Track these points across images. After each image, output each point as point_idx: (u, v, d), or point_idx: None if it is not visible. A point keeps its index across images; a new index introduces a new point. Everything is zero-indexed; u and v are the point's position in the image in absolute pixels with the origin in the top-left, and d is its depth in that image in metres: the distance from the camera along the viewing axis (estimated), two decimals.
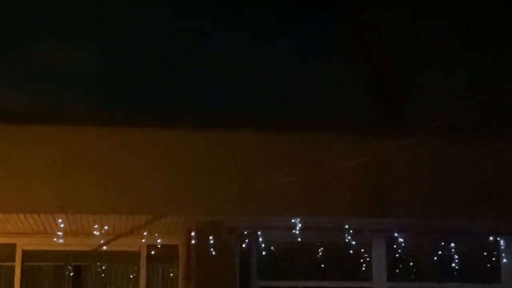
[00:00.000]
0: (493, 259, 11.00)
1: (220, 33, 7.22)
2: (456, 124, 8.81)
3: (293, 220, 9.76)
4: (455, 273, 10.84)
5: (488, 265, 11.00)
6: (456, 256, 10.74)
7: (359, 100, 8.61)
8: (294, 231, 9.87)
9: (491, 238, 10.76)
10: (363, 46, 7.30)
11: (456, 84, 8.02)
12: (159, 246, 9.84)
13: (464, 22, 6.95)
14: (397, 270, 10.91)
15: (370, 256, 10.94)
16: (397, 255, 10.63)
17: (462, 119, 8.65)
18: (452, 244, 10.70)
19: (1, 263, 11.32)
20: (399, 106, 8.68)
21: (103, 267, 11.48)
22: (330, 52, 7.48)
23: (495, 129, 9.43)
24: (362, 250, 10.77)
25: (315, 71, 7.92)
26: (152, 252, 9.97)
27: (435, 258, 10.75)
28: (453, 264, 10.76)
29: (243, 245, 10.31)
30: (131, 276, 11.58)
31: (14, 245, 11.35)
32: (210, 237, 9.98)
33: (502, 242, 10.88)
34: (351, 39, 7.21)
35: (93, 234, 9.52)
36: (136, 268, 11.51)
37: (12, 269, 11.29)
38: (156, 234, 9.86)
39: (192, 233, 9.85)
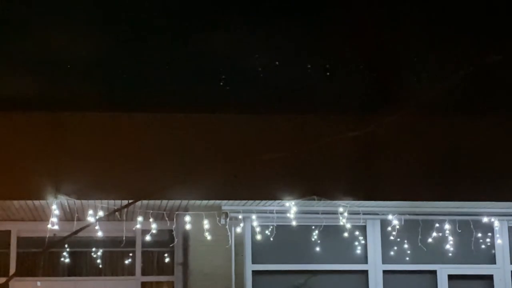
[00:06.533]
0: (488, 240, 11.02)
1: (218, 19, 7.21)
2: (447, 103, 8.83)
3: (287, 204, 9.77)
4: (450, 254, 10.87)
5: (483, 246, 11.02)
6: (450, 238, 10.76)
7: (349, 82, 8.61)
8: (288, 214, 9.88)
9: (485, 219, 10.78)
10: (352, 27, 7.29)
11: (445, 61, 8.00)
12: (154, 231, 9.84)
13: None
14: (392, 253, 10.93)
15: (365, 239, 10.96)
16: (391, 238, 10.65)
17: (453, 99, 8.66)
18: (447, 226, 10.72)
19: None
20: (390, 87, 8.67)
21: (98, 253, 11.49)
22: (317, 33, 7.47)
23: (487, 107, 9.42)
24: (357, 233, 10.79)
25: (303, 53, 7.91)
26: (147, 238, 9.97)
27: (430, 239, 10.76)
28: (448, 246, 10.78)
29: (238, 229, 10.32)
30: (127, 262, 11.60)
31: (9, 231, 11.37)
32: (205, 222, 9.99)
33: (496, 223, 10.91)
34: (340, 22, 7.20)
35: (87, 220, 9.49)
36: (131, 254, 11.53)
37: (7, 256, 11.31)
38: (151, 219, 9.86)
39: (187, 218, 9.85)
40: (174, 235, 10.34)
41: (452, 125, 9.94)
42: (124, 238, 10.20)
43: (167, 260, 11.62)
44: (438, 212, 10.69)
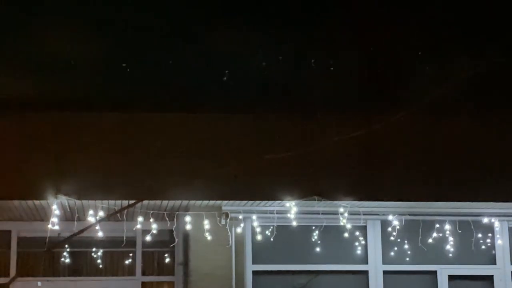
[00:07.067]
0: (488, 240, 11.02)
1: (218, 19, 7.20)
2: (448, 104, 8.81)
3: (288, 204, 9.77)
4: (450, 255, 10.86)
5: (483, 247, 11.02)
6: (451, 238, 10.76)
7: (350, 82, 8.59)
8: (289, 215, 9.87)
9: (485, 219, 10.78)
10: (353, 26, 7.28)
11: (447, 61, 7.99)
12: (154, 231, 9.84)
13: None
14: (392, 253, 10.93)
15: (365, 240, 10.96)
16: (392, 238, 10.64)
17: (453, 99, 8.64)
18: (447, 226, 10.71)
19: None
20: (391, 87, 8.66)
21: (99, 253, 11.50)
22: (318, 32, 7.45)
23: (488, 107, 9.40)
24: (357, 233, 10.78)
25: (304, 53, 7.89)
26: (148, 238, 9.97)
27: (430, 240, 10.76)
28: (448, 246, 10.78)
29: (238, 230, 10.32)
30: (127, 262, 11.60)
31: (9, 231, 11.39)
32: (205, 222, 9.99)
33: (497, 224, 10.90)
34: (341, 22, 7.19)
35: (87, 220, 9.50)
36: (132, 254, 11.54)
37: (7, 256, 11.33)
38: (152, 220, 9.86)
39: (187, 218, 9.86)
40: (175, 235, 10.35)
41: (452, 125, 9.93)
42: (124, 238, 10.21)
43: (167, 260, 11.62)
44: (438, 212, 10.69)
